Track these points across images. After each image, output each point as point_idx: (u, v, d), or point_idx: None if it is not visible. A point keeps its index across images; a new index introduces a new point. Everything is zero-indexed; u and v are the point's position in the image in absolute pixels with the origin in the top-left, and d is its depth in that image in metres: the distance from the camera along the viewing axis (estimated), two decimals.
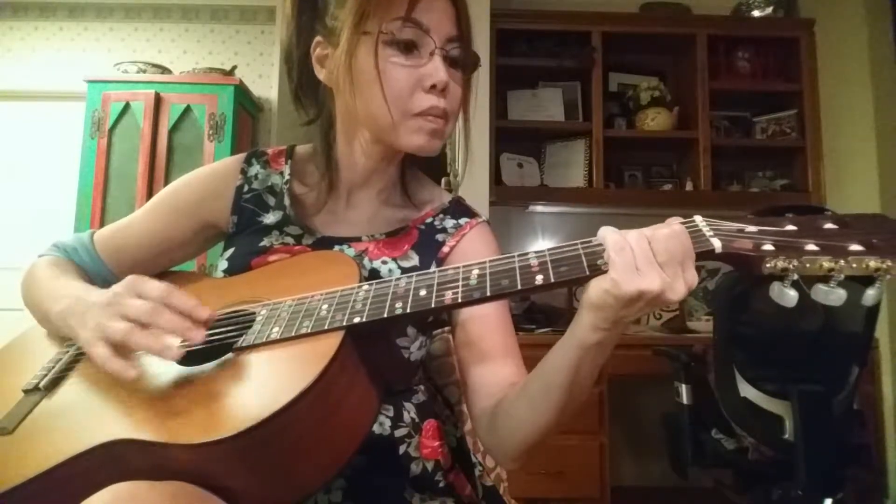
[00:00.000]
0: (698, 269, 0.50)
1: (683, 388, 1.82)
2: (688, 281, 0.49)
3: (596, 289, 0.50)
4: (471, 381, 0.71)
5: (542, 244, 2.89)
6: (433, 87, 0.67)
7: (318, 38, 0.72)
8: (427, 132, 0.69)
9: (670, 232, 0.50)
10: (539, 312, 2.56)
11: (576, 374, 0.56)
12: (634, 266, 0.48)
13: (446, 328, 0.94)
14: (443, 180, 2.37)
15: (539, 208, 2.84)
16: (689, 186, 2.72)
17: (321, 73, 0.72)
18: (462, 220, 0.80)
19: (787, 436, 1.51)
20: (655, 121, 2.70)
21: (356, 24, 0.66)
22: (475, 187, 2.42)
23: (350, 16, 0.66)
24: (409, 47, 0.66)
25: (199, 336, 0.56)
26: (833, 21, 2.61)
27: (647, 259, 0.49)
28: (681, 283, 0.49)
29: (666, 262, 0.49)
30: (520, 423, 0.63)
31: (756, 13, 2.81)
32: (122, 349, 0.56)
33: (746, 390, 1.56)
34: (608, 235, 0.50)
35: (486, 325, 0.72)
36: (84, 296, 0.63)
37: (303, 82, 0.76)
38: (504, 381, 0.69)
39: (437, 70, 0.66)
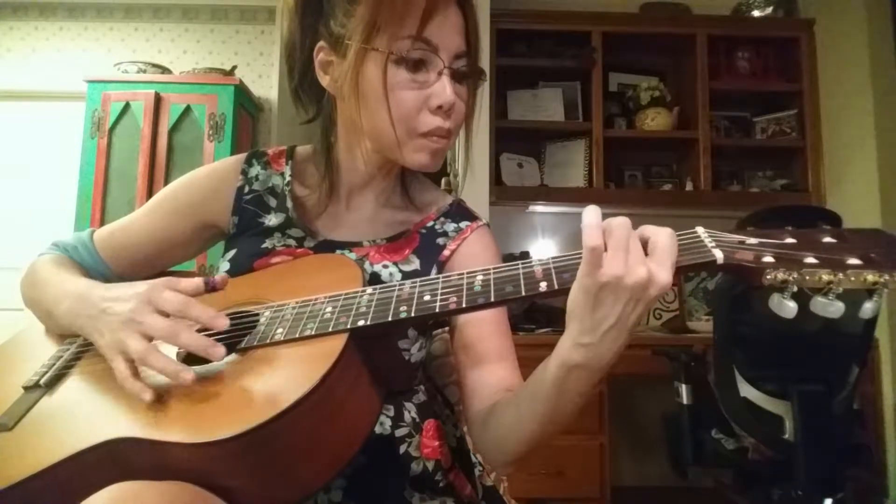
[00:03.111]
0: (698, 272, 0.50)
1: (683, 388, 1.82)
2: (653, 272, 0.48)
3: (571, 291, 0.51)
4: (466, 384, 0.72)
5: (542, 244, 2.89)
6: (439, 107, 0.67)
7: (321, 43, 0.70)
8: (430, 151, 0.69)
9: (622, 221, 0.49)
10: (539, 312, 2.56)
11: (559, 392, 0.55)
12: (601, 255, 0.48)
13: (446, 329, 0.94)
14: (443, 180, 2.37)
15: (539, 208, 2.84)
16: (689, 186, 2.72)
17: (324, 80, 0.72)
18: (463, 224, 0.80)
19: (787, 436, 1.51)
20: (655, 121, 2.70)
21: (365, 38, 0.65)
22: (475, 187, 2.42)
23: (359, 29, 0.65)
24: (417, 65, 0.66)
25: (219, 353, 0.55)
26: (833, 21, 2.61)
27: (618, 245, 0.48)
28: (642, 269, 0.48)
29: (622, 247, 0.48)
30: (508, 432, 0.63)
31: (756, 13, 2.81)
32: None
33: (746, 390, 1.56)
34: (588, 228, 0.49)
35: (483, 328, 0.72)
36: (88, 294, 0.64)
37: (304, 83, 0.76)
38: (498, 384, 0.69)
39: (444, 91, 0.66)
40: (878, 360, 2.25)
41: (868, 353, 1.72)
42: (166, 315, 0.57)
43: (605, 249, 0.48)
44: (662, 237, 0.49)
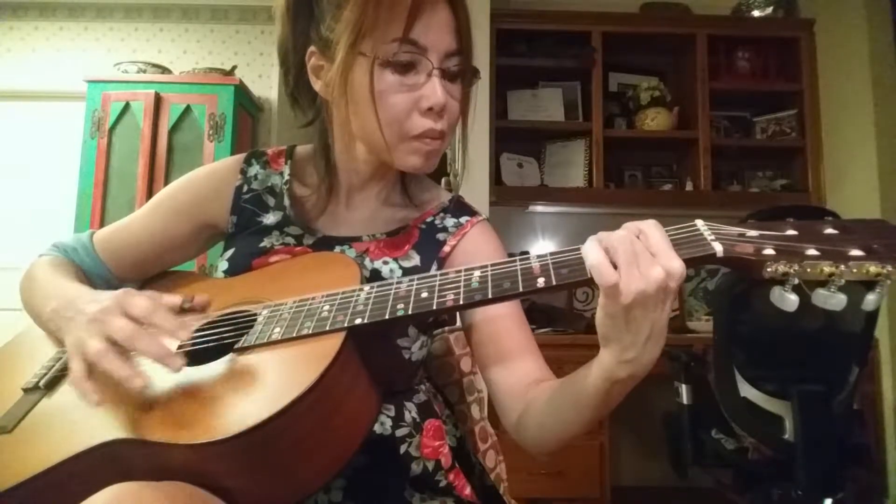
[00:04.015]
0: (698, 268, 0.50)
1: (683, 388, 1.82)
2: (659, 269, 0.48)
3: (597, 319, 0.51)
4: (493, 380, 0.71)
5: (542, 244, 2.89)
6: (430, 109, 0.66)
7: (312, 48, 0.70)
8: (423, 154, 0.68)
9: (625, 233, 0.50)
10: (539, 312, 2.56)
11: (605, 399, 0.55)
12: (619, 283, 0.48)
13: (447, 328, 0.94)
14: (443, 180, 2.37)
15: (539, 208, 2.84)
16: (689, 186, 2.72)
17: (317, 84, 0.71)
18: (462, 219, 0.79)
19: (787, 436, 1.51)
20: (655, 121, 2.70)
21: (352, 43, 0.64)
22: (475, 187, 2.42)
23: (345, 33, 0.64)
24: (406, 67, 0.65)
25: (175, 364, 0.53)
26: (833, 21, 2.61)
27: (628, 261, 0.48)
28: (655, 271, 0.47)
29: (630, 259, 0.48)
30: (550, 433, 0.63)
31: (756, 13, 2.81)
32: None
33: (746, 390, 1.56)
34: (599, 268, 0.49)
35: (502, 324, 0.72)
36: (75, 299, 0.63)
37: (299, 87, 0.75)
38: (525, 378, 0.69)
39: (434, 92, 0.65)
40: (878, 360, 2.24)
41: (868, 353, 1.72)
42: (134, 320, 0.56)
43: (618, 272, 0.48)
44: (651, 230, 0.50)
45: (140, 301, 0.57)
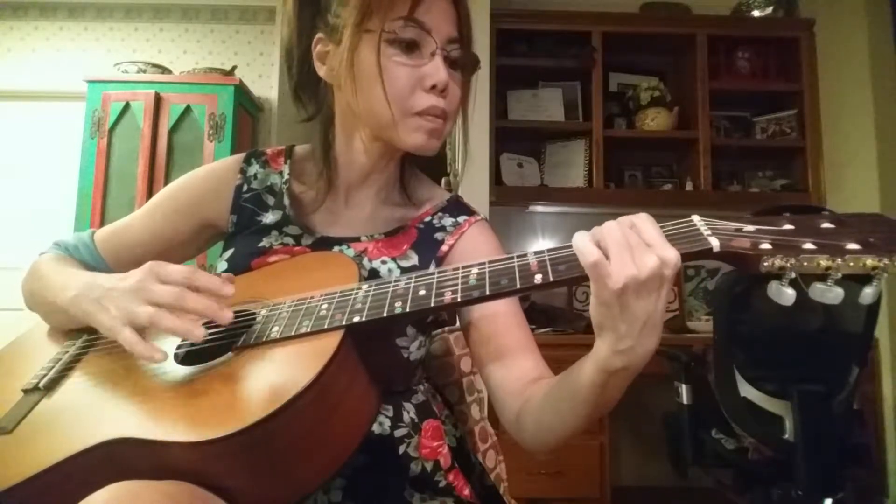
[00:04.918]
0: (698, 268, 0.50)
1: (683, 388, 1.82)
2: (654, 258, 0.48)
3: (591, 307, 0.51)
4: (491, 379, 0.71)
5: (542, 244, 2.89)
6: (433, 87, 0.68)
7: (319, 35, 0.72)
8: (426, 131, 0.69)
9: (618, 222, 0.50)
10: (539, 312, 2.56)
11: (602, 392, 0.55)
12: (606, 266, 0.48)
13: (446, 328, 0.94)
14: (443, 180, 2.37)
15: (539, 208, 2.84)
16: (689, 186, 2.72)
17: (322, 70, 0.73)
18: (461, 218, 0.80)
19: (787, 436, 1.51)
20: (655, 121, 2.70)
21: (359, 22, 0.66)
22: (475, 187, 2.42)
23: (353, 14, 0.67)
24: (410, 47, 0.67)
25: (227, 316, 0.57)
26: (833, 21, 2.61)
27: (619, 247, 0.48)
28: (649, 258, 0.47)
29: (626, 246, 0.48)
30: (548, 431, 0.63)
31: (756, 13, 2.81)
32: (146, 333, 0.58)
33: (746, 390, 1.56)
34: (581, 248, 0.49)
35: (500, 322, 0.72)
36: (94, 280, 0.65)
37: (303, 79, 0.76)
38: (524, 376, 0.69)
39: (437, 70, 0.67)
40: (878, 360, 2.24)
41: (868, 353, 1.72)
42: (173, 284, 0.59)
43: (608, 258, 0.48)
44: (643, 223, 0.50)
45: (173, 268, 0.60)
